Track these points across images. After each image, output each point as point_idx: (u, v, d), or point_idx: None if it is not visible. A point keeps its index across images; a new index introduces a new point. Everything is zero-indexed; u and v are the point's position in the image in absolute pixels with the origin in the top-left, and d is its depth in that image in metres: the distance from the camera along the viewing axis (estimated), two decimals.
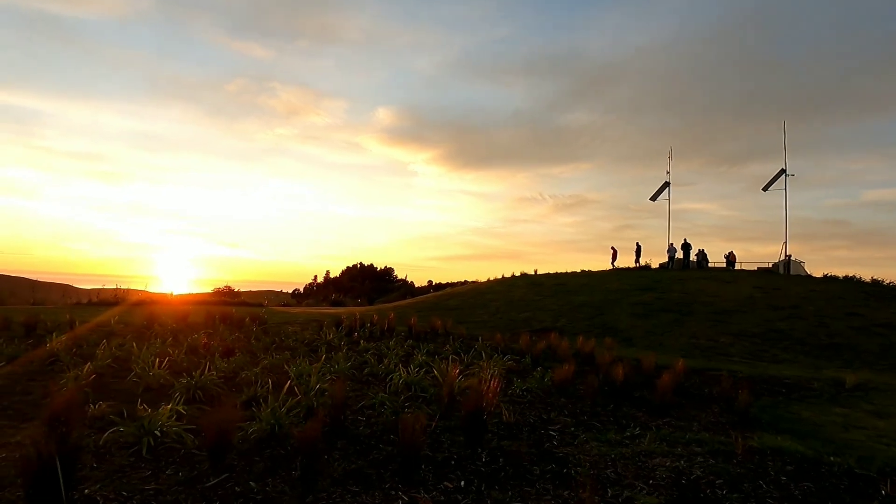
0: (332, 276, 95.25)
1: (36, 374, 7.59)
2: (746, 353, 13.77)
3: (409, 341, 12.36)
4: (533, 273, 29.22)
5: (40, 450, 3.53)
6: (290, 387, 6.31)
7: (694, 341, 14.90)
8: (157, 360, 7.80)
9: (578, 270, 29.33)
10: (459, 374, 7.22)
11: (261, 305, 25.69)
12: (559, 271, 29.80)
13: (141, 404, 5.49)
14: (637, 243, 33.19)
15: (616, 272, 28.68)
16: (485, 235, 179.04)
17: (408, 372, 7.58)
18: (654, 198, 33.36)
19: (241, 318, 14.74)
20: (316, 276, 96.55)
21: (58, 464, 3.51)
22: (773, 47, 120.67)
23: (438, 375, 7.27)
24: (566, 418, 6.36)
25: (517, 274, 29.83)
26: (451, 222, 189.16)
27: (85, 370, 7.12)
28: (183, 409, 5.49)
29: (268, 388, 6.53)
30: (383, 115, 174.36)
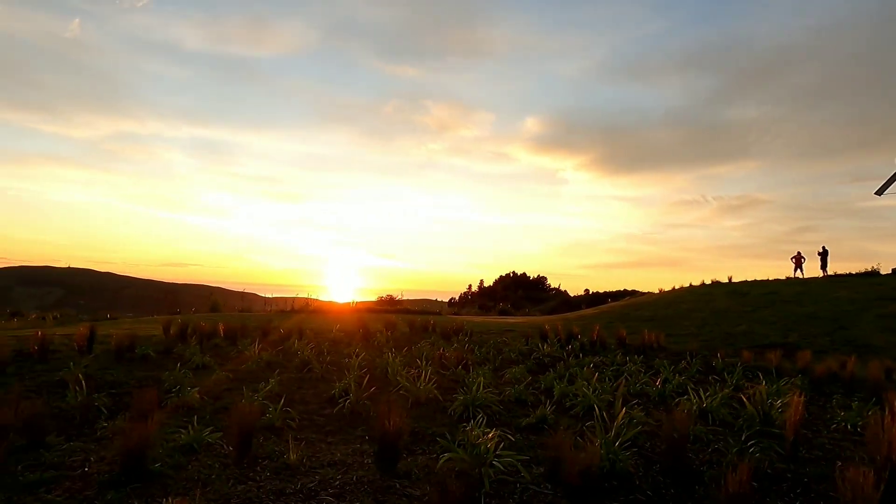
0: (485, 284, 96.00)
1: (304, 382, 7.73)
2: None
3: (634, 356, 11.15)
4: (728, 281, 26.14)
5: None
6: (593, 411, 5.53)
7: None
8: (409, 370, 7.56)
9: (783, 278, 25.68)
10: (779, 401, 5.93)
11: (435, 313, 26.00)
12: (755, 279, 26.33)
13: (437, 424, 5.06)
14: (823, 247, 28.13)
15: (829, 280, 24.57)
16: (640, 242, 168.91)
17: (698, 396, 6.43)
18: (880, 191, 28.12)
19: (447, 327, 14.60)
20: (470, 286, 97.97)
21: None
22: None
23: (746, 401, 6.05)
24: None
25: (707, 282, 26.92)
26: (602, 229, 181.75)
27: (348, 380, 7.03)
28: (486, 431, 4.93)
29: (551, 409, 5.85)
30: (531, 123, 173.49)
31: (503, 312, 36.69)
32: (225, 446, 4.67)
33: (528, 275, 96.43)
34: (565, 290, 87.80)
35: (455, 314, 31.62)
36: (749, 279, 26.01)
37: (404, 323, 16.04)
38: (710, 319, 18.84)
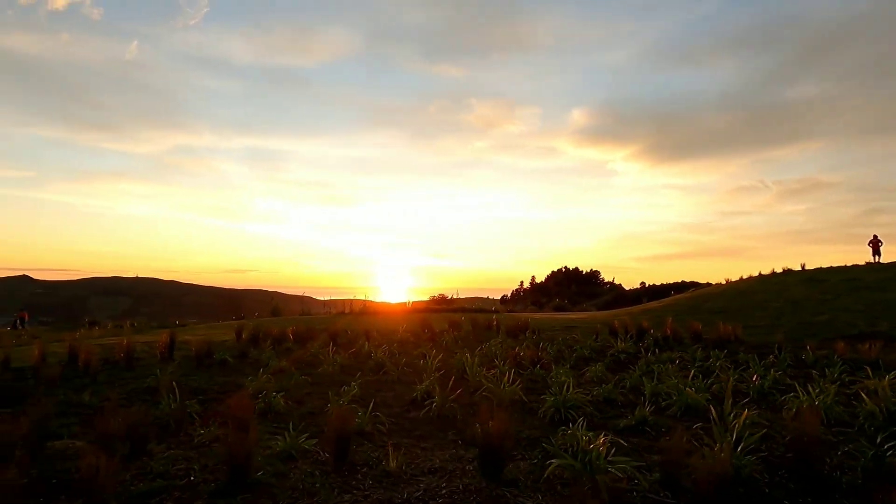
0: (537, 280, 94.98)
1: (382, 385, 7.67)
2: None
3: (715, 351, 10.57)
4: (801, 269, 24.73)
5: None
6: (692, 411, 5.18)
7: None
8: (488, 371, 7.36)
9: (861, 264, 24.06)
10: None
11: (490, 311, 25.71)
12: (830, 265, 24.75)
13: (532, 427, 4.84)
14: (875, 236, 25.94)
15: None
16: (695, 231, 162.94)
17: (807, 394, 5.94)
18: None
19: (511, 325, 14.35)
20: (522, 282, 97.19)
21: None
22: None
23: (866, 398, 5.55)
24: None
25: (778, 270, 25.58)
26: (655, 220, 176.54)
27: (430, 382, 6.89)
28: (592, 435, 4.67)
29: (647, 409, 5.52)
30: (577, 116, 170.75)
31: (559, 308, 36.04)
32: (321, 453, 4.60)
33: (580, 269, 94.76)
34: (619, 284, 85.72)
35: (510, 311, 31.24)
36: (823, 266, 24.54)
37: (467, 322, 15.87)
38: (786, 309, 17.84)
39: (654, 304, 26.20)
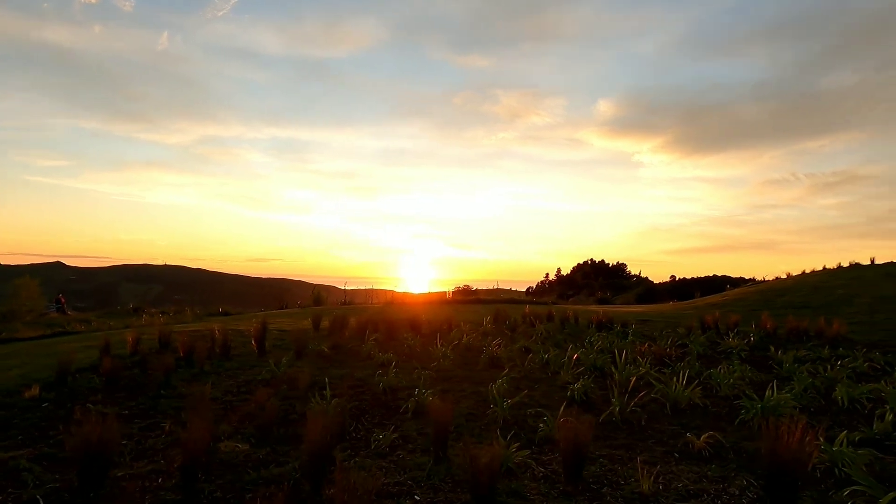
0: (563, 273, 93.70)
1: (519, 382, 6.96)
2: None
3: (837, 349, 9.72)
4: (870, 263, 23.56)
5: None
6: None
7: None
8: (632, 368, 6.63)
9: None
10: None
11: (544, 303, 24.87)
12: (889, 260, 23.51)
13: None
14: None
15: None
16: (725, 225, 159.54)
17: None
18: None
19: (592, 318, 13.59)
20: (547, 274, 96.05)
21: None
22: None
23: None
24: None
25: (844, 265, 24.41)
26: (683, 212, 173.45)
27: (583, 383, 6.18)
28: None
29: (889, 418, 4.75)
30: (604, 107, 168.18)
31: (603, 301, 34.99)
32: (536, 466, 3.92)
33: (606, 262, 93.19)
34: (646, 277, 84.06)
35: (553, 303, 30.44)
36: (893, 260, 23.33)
37: (541, 315, 15.10)
38: (878, 306, 16.79)
39: (712, 298, 25.11)
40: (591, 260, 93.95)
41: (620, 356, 8.07)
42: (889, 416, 4.82)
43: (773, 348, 10.11)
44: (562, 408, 5.70)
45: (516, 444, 4.15)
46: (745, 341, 10.90)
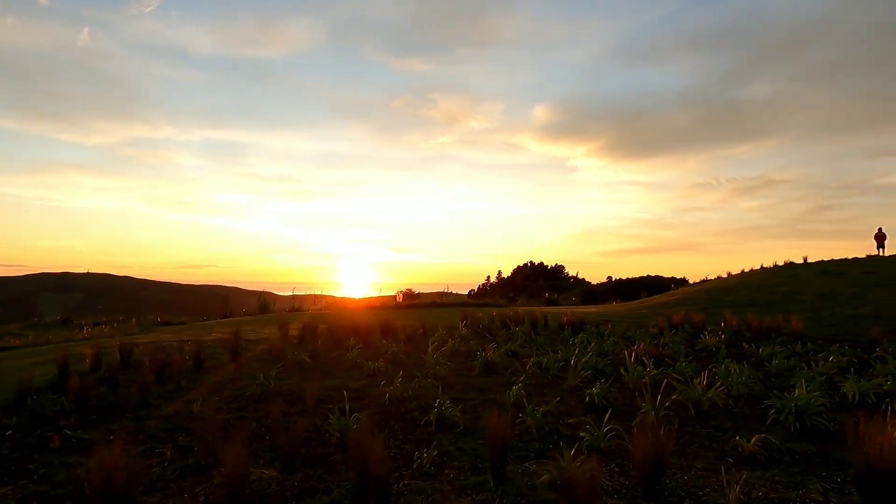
0: (504, 275, 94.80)
1: (530, 390, 6.69)
2: None
3: (799, 345, 10.11)
4: (803, 262, 25.12)
5: None
6: None
7: None
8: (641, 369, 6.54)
9: (863, 257, 24.60)
10: None
11: (499, 305, 24.89)
12: (831, 258, 25.19)
13: None
14: (880, 228, 26.54)
15: None
16: (655, 227, 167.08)
17: None
18: None
19: (563, 321, 13.58)
20: (488, 277, 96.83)
21: None
22: None
23: None
24: None
25: (780, 263, 25.91)
26: (616, 215, 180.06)
27: (600, 388, 6.01)
28: None
29: None
30: (540, 112, 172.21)
31: (551, 302, 35.49)
32: (603, 480, 3.66)
33: (545, 264, 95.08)
34: (583, 278, 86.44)
35: (501, 305, 30.58)
36: (834, 258, 24.98)
37: (486, 317, 14.95)
38: (819, 303, 17.80)
39: (661, 297, 25.95)
40: (531, 262, 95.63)
41: (630, 357, 7.96)
42: None
43: (745, 345, 10.42)
44: (588, 414, 5.49)
45: (581, 458, 3.87)
46: (719, 339, 11.17)
